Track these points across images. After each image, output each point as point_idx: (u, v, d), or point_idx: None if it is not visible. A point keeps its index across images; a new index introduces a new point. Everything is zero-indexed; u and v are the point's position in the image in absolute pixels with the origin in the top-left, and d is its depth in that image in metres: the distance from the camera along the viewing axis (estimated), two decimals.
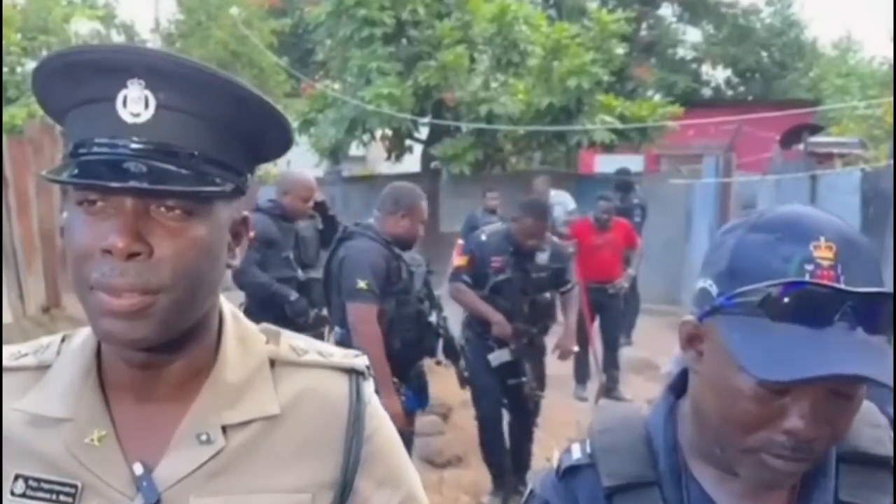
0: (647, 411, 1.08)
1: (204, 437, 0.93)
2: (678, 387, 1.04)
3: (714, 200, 9.39)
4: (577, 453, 1.05)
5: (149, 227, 0.85)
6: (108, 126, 0.85)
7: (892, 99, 9.94)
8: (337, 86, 13.89)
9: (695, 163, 13.03)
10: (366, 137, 13.09)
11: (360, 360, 1.04)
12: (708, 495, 0.98)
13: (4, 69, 18.46)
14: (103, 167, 0.84)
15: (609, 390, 7.21)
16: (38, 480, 0.92)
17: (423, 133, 13.20)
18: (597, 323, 7.47)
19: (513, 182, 12.89)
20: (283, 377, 0.99)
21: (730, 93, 20.34)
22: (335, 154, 12.98)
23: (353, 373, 1.03)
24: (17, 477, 0.92)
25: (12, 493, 0.92)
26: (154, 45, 18.73)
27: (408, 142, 13.20)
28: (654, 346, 9.11)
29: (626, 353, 8.10)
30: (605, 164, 14.28)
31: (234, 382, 0.96)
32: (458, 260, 4.86)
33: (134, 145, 0.85)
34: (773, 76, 18.62)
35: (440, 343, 3.88)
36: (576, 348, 5.57)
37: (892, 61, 15.88)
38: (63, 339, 1.01)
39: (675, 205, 11.83)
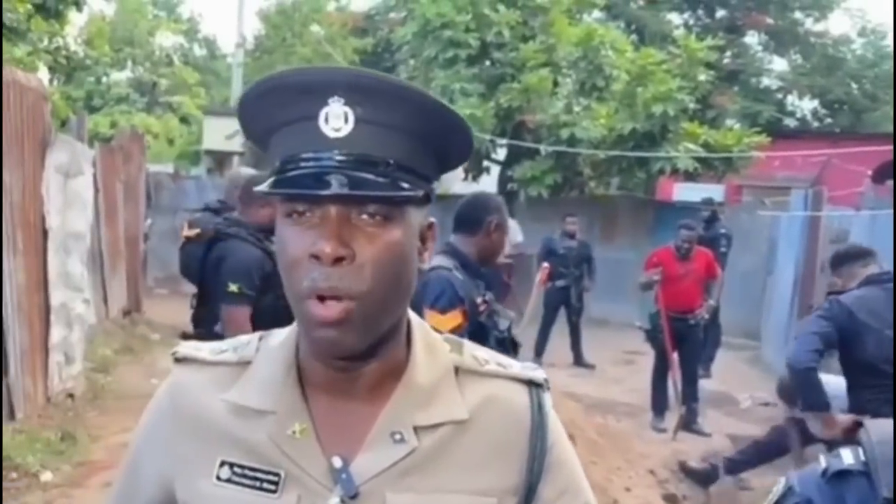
0: None
1: (398, 437, 0.97)
2: None
3: (801, 234, 9.13)
4: (848, 458, 1.02)
5: (351, 234, 0.91)
6: (313, 142, 0.91)
7: None
8: None
9: (779, 194, 12.75)
10: None
11: (539, 373, 1.07)
12: None
13: (90, 79, 19.15)
14: (309, 180, 0.90)
15: (688, 423, 7.04)
16: (242, 467, 0.98)
17: (501, 154, 13.20)
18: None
19: (590, 207, 12.81)
20: (466, 385, 1.03)
21: (815, 124, 19.87)
22: None
23: (532, 384, 1.06)
24: (222, 463, 0.99)
25: (218, 478, 0.98)
26: (238, 60, 19.20)
27: (485, 163, 13.20)
28: (733, 381, 8.93)
29: (704, 386, 7.91)
30: (683, 192, 14.09)
31: (424, 386, 1.01)
32: None
33: (336, 157, 0.91)
34: (863, 109, 18.09)
35: None
36: None
37: None
38: (261, 338, 1.07)
39: (758, 237, 11.59)
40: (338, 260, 0.89)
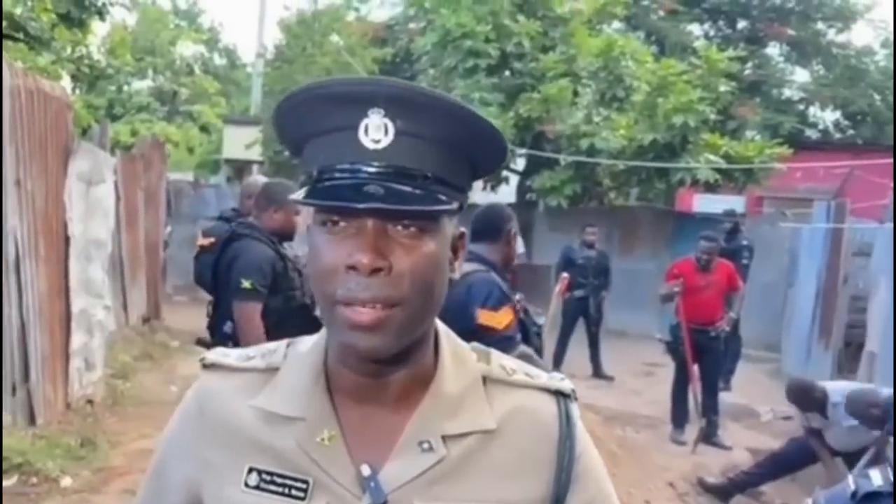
0: None
1: (426, 446, 0.97)
2: None
3: (824, 246, 9.05)
4: (877, 480, 1.01)
5: (388, 245, 0.91)
6: (351, 153, 0.92)
7: None
8: None
9: (801, 206, 12.65)
10: None
11: (566, 384, 1.08)
12: None
13: (112, 88, 19.31)
14: (346, 190, 0.90)
15: (708, 436, 6.98)
16: (270, 474, 0.97)
17: (520, 164, 13.18)
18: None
19: (610, 217, 12.77)
20: (494, 395, 1.03)
21: (837, 136, 19.70)
22: None
23: (560, 395, 1.06)
24: (250, 470, 0.98)
25: (246, 485, 0.98)
26: (258, 69, 19.32)
27: (504, 172, 13.18)
28: (753, 393, 8.85)
29: (724, 399, 7.85)
30: (703, 203, 14.02)
31: (452, 395, 1.00)
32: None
33: (373, 169, 0.91)
34: (886, 120, 17.86)
35: None
36: None
37: None
38: (288, 345, 1.07)
39: (778, 248, 11.50)
40: (375, 271, 0.90)
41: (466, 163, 0.98)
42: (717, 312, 7.22)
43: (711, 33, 20.21)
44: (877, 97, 18.35)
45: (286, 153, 15.46)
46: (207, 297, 4.19)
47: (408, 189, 0.91)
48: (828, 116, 20.03)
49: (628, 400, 8.57)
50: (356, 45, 16.87)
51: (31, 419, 5.49)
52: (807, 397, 5.64)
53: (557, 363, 9.02)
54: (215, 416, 1.03)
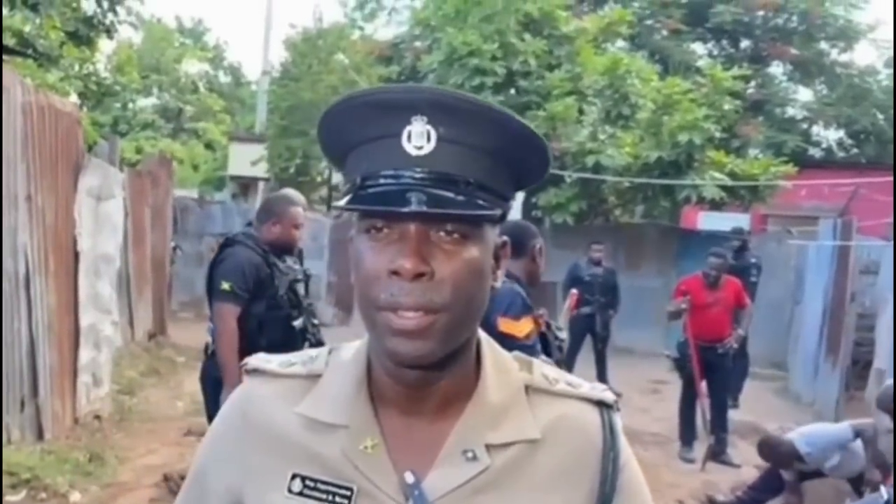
0: None
1: (470, 455, 0.97)
2: None
3: (830, 264, 9.04)
4: None
5: (430, 251, 0.91)
6: (394, 159, 0.92)
7: None
8: None
9: (806, 224, 12.66)
10: None
11: (608, 394, 1.07)
12: None
13: (117, 105, 19.44)
14: (390, 196, 0.91)
15: (717, 453, 6.94)
16: (314, 481, 0.97)
17: None
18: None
19: (615, 234, 12.78)
20: (537, 404, 1.03)
21: (841, 154, 19.73)
22: None
23: (603, 405, 1.06)
24: (294, 476, 0.98)
25: (290, 491, 0.98)
26: (263, 87, 19.41)
27: None
28: (761, 411, 8.82)
29: (732, 417, 7.81)
30: (708, 221, 14.03)
31: (495, 404, 1.00)
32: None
33: (416, 175, 0.91)
34: (889, 139, 17.87)
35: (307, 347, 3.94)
36: None
37: None
38: (330, 352, 1.07)
39: (784, 266, 11.50)
40: (418, 276, 0.90)
41: (509, 170, 0.97)
42: (724, 329, 7.19)
43: (715, 52, 20.29)
44: (880, 116, 18.38)
45: (291, 170, 15.54)
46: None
47: (450, 195, 0.91)
48: (831, 135, 20.07)
49: (635, 417, 8.52)
50: (362, 64, 16.96)
51: (40, 434, 5.48)
52: (778, 454, 5.57)
53: None
54: (258, 421, 1.03)
